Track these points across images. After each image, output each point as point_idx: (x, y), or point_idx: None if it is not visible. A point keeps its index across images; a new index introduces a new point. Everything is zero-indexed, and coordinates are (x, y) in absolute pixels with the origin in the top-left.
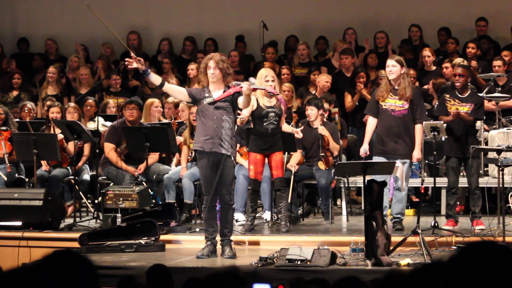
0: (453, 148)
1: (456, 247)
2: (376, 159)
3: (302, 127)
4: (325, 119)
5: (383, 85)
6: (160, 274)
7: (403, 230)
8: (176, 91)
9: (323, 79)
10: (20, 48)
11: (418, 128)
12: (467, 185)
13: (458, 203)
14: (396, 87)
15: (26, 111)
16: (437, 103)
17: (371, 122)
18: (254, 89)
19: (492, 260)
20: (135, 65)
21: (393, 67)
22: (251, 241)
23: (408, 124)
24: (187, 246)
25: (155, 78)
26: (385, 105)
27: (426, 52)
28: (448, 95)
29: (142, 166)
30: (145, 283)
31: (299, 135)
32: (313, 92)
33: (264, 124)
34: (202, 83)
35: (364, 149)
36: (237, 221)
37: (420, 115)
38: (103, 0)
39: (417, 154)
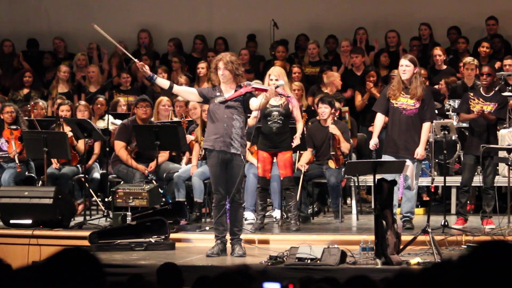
0: (472, 146)
1: (466, 246)
2: (386, 158)
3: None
4: (335, 118)
5: (394, 84)
6: (170, 272)
7: (413, 229)
8: (186, 92)
9: (337, 77)
10: (30, 48)
11: (426, 126)
12: (478, 184)
13: (468, 202)
14: (408, 86)
15: (31, 108)
16: (448, 102)
17: (379, 118)
18: (261, 90)
19: (503, 260)
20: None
21: (407, 67)
22: (261, 240)
23: (419, 124)
24: (197, 245)
25: (162, 83)
26: (396, 104)
27: (437, 51)
28: (472, 94)
29: (152, 164)
30: (155, 281)
31: (296, 140)
32: (325, 90)
33: (268, 123)
34: (213, 82)
35: (374, 141)
36: (246, 219)
37: (429, 114)
38: None
39: (420, 151)
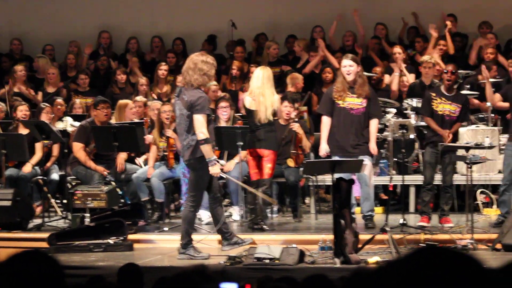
0: (433, 140)
1: (425, 244)
2: (336, 158)
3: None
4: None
5: (339, 85)
6: (132, 273)
7: (375, 227)
8: None
9: (301, 79)
10: None
11: (374, 122)
12: (437, 183)
13: None
14: (353, 86)
15: None
16: (406, 101)
17: (326, 122)
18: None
19: (434, 266)
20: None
21: (350, 67)
22: (220, 240)
23: (367, 122)
24: (156, 246)
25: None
26: (343, 104)
27: (397, 49)
28: (434, 94)
29: (120, 164)
30: (114, 282)
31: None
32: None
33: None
34: (202, 86)
35: (325, 149)
36: (200, 220)
37: (376, 111)
38: None
39: (373, 146)
